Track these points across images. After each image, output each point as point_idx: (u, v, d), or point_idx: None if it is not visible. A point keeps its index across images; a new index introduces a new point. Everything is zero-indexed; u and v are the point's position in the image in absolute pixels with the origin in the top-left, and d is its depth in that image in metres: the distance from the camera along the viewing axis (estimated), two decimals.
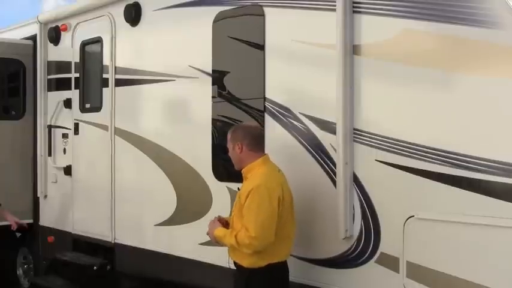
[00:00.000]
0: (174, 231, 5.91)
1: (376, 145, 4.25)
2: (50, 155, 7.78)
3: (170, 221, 5.92)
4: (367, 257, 4.31)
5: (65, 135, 7.56)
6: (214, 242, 4.48)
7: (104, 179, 6.77)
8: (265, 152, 4.56)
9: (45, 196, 7.93)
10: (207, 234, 4.53)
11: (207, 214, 5.54)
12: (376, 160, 4.24)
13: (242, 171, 4.45)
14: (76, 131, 7.31)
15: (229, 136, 4.54)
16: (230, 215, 4.54)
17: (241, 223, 4.20)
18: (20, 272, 8.62)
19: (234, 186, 5.25)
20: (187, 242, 5.69)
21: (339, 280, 4.50)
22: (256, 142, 4.48)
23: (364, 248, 4.33)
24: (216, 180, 5.45)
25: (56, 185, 7.76)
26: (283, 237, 4.29)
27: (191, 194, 5.75)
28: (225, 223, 4.48)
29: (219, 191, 5.40)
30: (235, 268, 4.49)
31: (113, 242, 6.71)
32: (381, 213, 4.24)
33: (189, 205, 5.76)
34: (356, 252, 4.39)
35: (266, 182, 4.22)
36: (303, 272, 4.72)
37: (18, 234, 8.71)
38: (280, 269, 4.36)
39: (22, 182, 8.06)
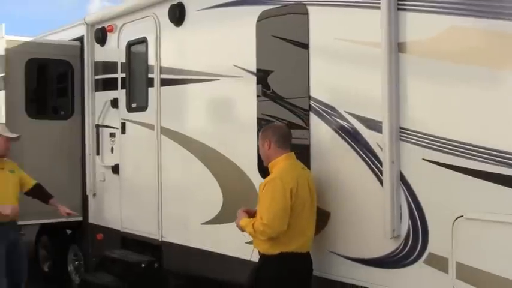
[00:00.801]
0: (220, 230, 5.95)
1: (423, 144, 4.19)
2: (97, 154, 7.91)
3: (216, 220, 5.95)
4: (415, 257, 4.26)
5: (112, 135, 7.67)
6: (241, 231, 4.79)
7: (151, 178, 6.84)
8: (292, 151, 4.78)
9: (94, 194, 8.07)
10: (235, 224, 4.83)
11: None
12: (423, 159, 4.19)
13: (268, 166, 4.80)
14: (123, 130, 7.41)
15: (260, 134, 4.93)
16: None
17: None
18: (70, 268, 8.78)
19: None
20: (233, 241, 5.71)
21: (387, 280, 4.47)
22: (283, 140, 4.78)
23: (412, 248, 4.28)
24: (261, 178, 5.45)
25: (104, 184, 7.88)
26: (296, 230, 4.57)
27: (237, 192, 5.77)
28: (253, 214, 4.77)
29: None
30: None
31: (160, 240, 6.79)
32: (429, 213, 4.19)
33: (235, 203, 5.76)
34: (404, 252, 4.34)
35: (281, 176, 4.58)
36: (350, 271, 4.71)
37: (68, 232, 8.90)
38: (294, 259, 4.60)
39: (71, 181, 8.21)
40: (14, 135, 6.70)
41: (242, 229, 4.76)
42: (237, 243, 5.62)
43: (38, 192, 6.89)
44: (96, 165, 7.97)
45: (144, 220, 6.95)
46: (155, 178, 6.79)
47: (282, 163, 4.70)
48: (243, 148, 5.73)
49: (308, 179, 4.71)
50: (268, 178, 4.67)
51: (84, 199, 8.24)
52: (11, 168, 6.73)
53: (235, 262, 5.71)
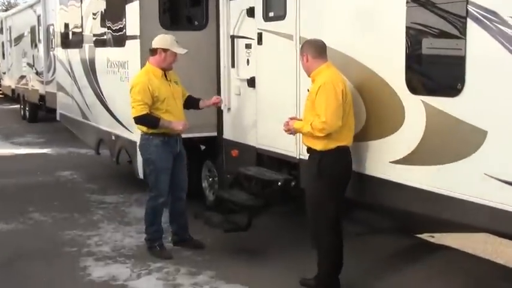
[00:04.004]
0: (361, 148, 5.86)
1: None
2: (233, 66, 7.97)
3: (357, 137, 5.83)
4: None
5: (248, 46, 7.66)
6: (294, 132, 5.99)
7: (289, 92, 6.82)
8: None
9: (229, 109, 8.19)
10: (286, 128, 5.90)
11: (398, 130, 5.44)
12: None
13: (311, 76, 5.73)
14: (259, 41, 7.36)
15: (299, 51, 5.85)
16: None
17: (312, 115, 5.55)
18: (205, 184, 9.09)
19: (430, 100, 5.09)
20: (374, 160, 5.64)
21: None
22: (319, 52, 5.71)
23: None
24: (409, 93, 5.29)
25: (239, 98, 7.97)
26: (347, 127, 5.60)
27: (381, 108, 5.64)
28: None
29: (413, 104, 5.25)
30: (308, 155, 5.87)
31: (297, 158, 6.82)
32: None
33: (379, 120, 5.66)
34: None
35: (331, 79, 5.53)
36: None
37: (202, 147, 9.16)
38: (346, 152, 5.67)
39: (206, 95, 8.30)
40: (183, 52, 6.91)
41: (296, 131, 5.83)
42: (378, 162, 5.61)
43: (191, 101, 7.19)
44: (231, 78, 8.06)
45: (282, 137, 6.94)
46: (293, 92, 6.77)
47: (326, 70, 5.64)
48: (389, 60, 5.54)
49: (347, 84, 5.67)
50: (319, 83, 5.51)
51: (219, 114, 8.40)
52: (175, 80, 7.04)
53: (372, 180, 5.70)
